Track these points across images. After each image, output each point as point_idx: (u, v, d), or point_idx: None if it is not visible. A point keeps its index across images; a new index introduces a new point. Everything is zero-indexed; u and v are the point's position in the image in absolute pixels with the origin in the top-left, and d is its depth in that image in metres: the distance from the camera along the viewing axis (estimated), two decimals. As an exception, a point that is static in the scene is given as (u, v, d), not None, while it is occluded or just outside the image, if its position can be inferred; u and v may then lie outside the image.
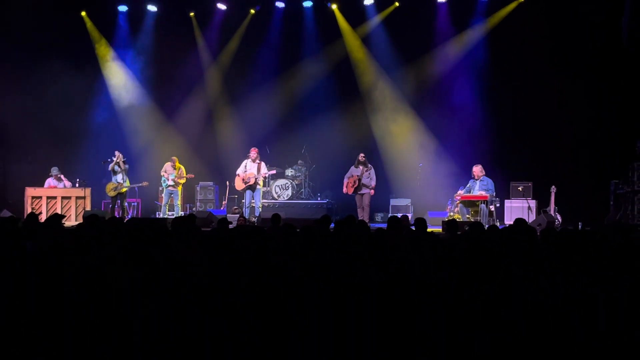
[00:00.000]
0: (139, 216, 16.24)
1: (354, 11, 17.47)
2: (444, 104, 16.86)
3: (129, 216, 15.84)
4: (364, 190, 14.58)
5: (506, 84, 16.46)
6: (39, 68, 16.67)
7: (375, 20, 17.42)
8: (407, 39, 17.01)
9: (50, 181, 15.86)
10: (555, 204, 14.24)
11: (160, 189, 16.36)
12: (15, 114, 16.48)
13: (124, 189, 15.15)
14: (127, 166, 15.35)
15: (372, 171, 14.70)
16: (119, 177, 15.20)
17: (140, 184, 15.58)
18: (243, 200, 15.28)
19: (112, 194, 15.16)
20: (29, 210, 14.94)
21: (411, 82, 17.11)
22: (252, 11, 17.79)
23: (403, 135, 17.12)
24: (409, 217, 14.33)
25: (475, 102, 16.70)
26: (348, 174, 14.78)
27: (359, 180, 14.50)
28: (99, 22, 18.04)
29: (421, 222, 7.79)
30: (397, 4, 17.11)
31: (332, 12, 17.60)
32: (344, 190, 14.83)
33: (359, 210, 14.62)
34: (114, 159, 15.18)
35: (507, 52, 16.38)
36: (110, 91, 18.04)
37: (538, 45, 15.91)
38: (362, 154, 14.79)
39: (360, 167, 14.63)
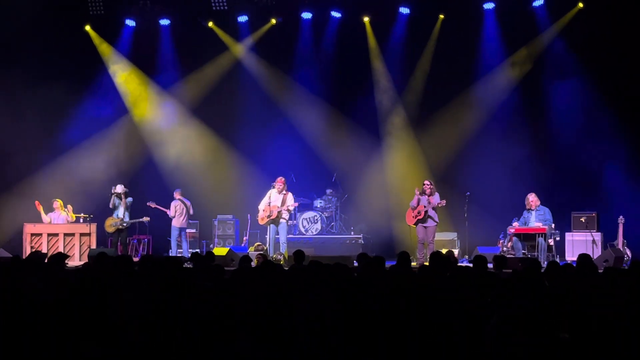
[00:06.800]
0: (150, 254, 16.34)
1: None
2: (494, 125, 16.83)
3: (140, 254, 16.01)
4: (429, 223, 14.40)
5: (562, 100, 16.43)
6: (39, 90, 16.94)
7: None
8: (453, 56, 17.09)
9: (58, 215, 15.98)
10: (624, 237, 14.05)
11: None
12: (12, 141, 16.81)
13: (124, 226, 15.32)
14: (130, 200, 15.52)
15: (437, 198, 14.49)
16: (120, 212, 15.39)
17: (140, 220, 15.75)
18: (266, 236, 15.30)
19: (111, 229, 15.36)
20: (28, 249, 15.16)
21: (454, 104, 17.18)
22: (273, 21, 17.99)
23: (447, 161, 17.06)
24: (455, 253, 14.30)
25: (529, 123, 16.69)
26: (412, 203, 14.49)
27: (425, 211, 14.35)
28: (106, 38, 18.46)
29: (481, 261, 7.70)
30: (442, 16, 17.26)
31: (363, 24, 17.83)
32: (407, 220, 14.71)
33: (419, 245, 14.42)
34: (113, 192, 15.41)
35: (565, 66, 16.46)
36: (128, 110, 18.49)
37: (594, 59, 16.00)
38: (427, 181, 14.56)
39: (426, 196, 14.37)
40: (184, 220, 15.92)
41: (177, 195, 15.99)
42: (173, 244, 15.87)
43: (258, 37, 18.18)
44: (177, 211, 15.82)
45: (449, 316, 5.12)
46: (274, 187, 14.93)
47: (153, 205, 16.15)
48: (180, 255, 15.25)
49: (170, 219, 16.05)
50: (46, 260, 7.97)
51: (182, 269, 7.65)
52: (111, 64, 18.38)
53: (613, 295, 5.68)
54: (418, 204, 14.31)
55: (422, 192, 14.41)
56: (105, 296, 5.64)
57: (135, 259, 12.29)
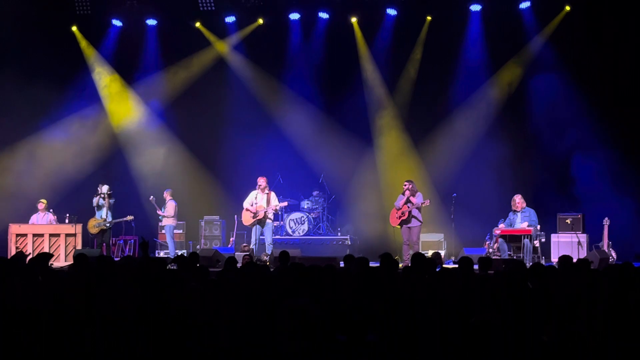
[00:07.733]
0: (135, 255, 16.31)
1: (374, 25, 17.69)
2: (481, 127, 16.88)
3: (125, 254, 15.99)
4: (413, 223, 14.33)
5: (549, 102, 16.51)
6: (24, 90, 16.85)
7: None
8: (440, 57, 17.17)
9: (42, 215, 15.92)
10: (609, 239, 14.12)
11: (161, 224, 16.57)
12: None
13: (107, 226, 15.30)
14: (112, 200, 15.50)
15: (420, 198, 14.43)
16: (103, 213, 15.38)
17: (124, 219, 15.75)
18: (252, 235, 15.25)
19: (94, 230, 15.37)
20: (13, 249, 15.08)
21: (442, 105, 17.24)
22: (260, 21, 17.95)
23: (434, 162, 17.10)
24: (441, 255, 14.33)
25: (515, 124, 16.78)
26: (396, 203, 14.44)
27: (409, 211, 14.34)
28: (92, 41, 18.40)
29: (467, 262, 7.68)
30: (429, 18, 17.32)
31: (351, 25, 17.83)
32: (391, 221, 14.71)
33: (404, 246, 14.35)
34: (98, 192, 15.40)
35: (551, 68, 16.54)
36: (109, 117, 18.40)
37: (580, 62, 16.11)
38: (406, 182, 14.42)
39: (407, 197, 14.35)
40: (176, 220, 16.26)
41: (168, 195, 16.15)
42: (170, 242, 15.92)
43: (245, 37, 18.17)
44: (176, 211, 16.05)
45: (436, 316, 5.14)
46: (257, 187, 14.87)
47: (153, 200, 16.26)
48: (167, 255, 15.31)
49: (157, 219, 16.13)
50: (27, 261, 7.93)
51: (166, 270, 7.63)
52: (96, 67, 18.31)
53: (595, 296, 5.72)
54: (404, 204, 14.29)
55: (402, 193, 14.40)
56: (89, 297, 5.64)
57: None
